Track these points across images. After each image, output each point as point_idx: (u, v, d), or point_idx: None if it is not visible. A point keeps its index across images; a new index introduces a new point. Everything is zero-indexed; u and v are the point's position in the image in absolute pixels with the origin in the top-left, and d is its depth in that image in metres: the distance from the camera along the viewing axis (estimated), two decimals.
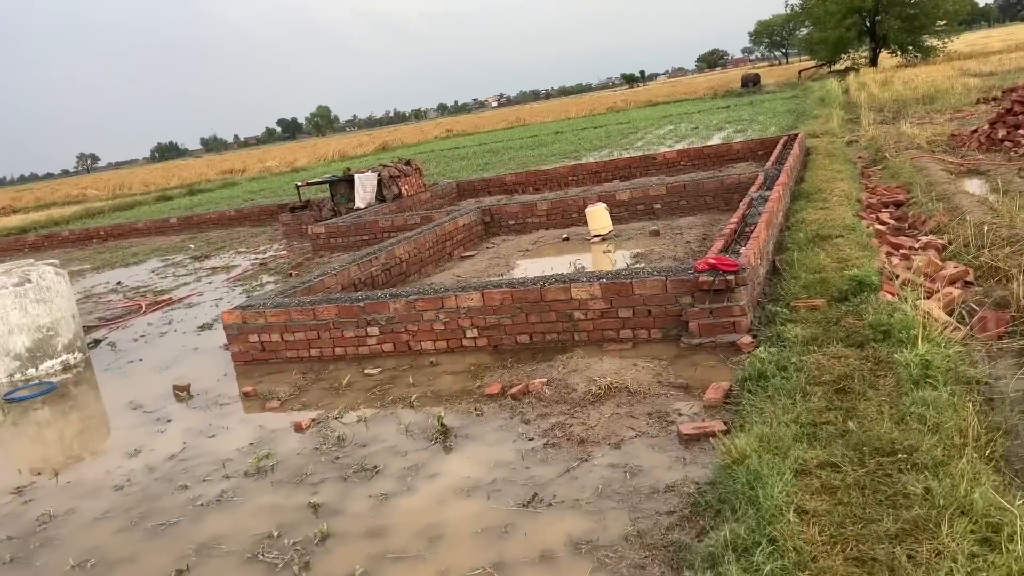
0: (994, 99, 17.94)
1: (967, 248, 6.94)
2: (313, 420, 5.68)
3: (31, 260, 9.24)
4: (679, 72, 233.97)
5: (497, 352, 6.58)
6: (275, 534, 4.11)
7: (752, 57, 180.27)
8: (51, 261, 8.88)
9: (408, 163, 16.35)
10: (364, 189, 15.49)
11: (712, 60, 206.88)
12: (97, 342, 9.39)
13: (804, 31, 60.53)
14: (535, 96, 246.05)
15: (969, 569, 2.68)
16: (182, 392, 6.84)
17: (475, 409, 5.38)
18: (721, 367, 5.43)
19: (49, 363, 8.25)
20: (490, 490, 4.22)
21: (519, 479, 4.28)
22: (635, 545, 3.44)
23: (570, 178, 17.13)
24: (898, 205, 9.62)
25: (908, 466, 3.38)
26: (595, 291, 6.28)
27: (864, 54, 52.13)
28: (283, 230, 16.32)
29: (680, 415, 4.77)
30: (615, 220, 11.61)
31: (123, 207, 33.41)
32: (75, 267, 17.14)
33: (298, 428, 5.57)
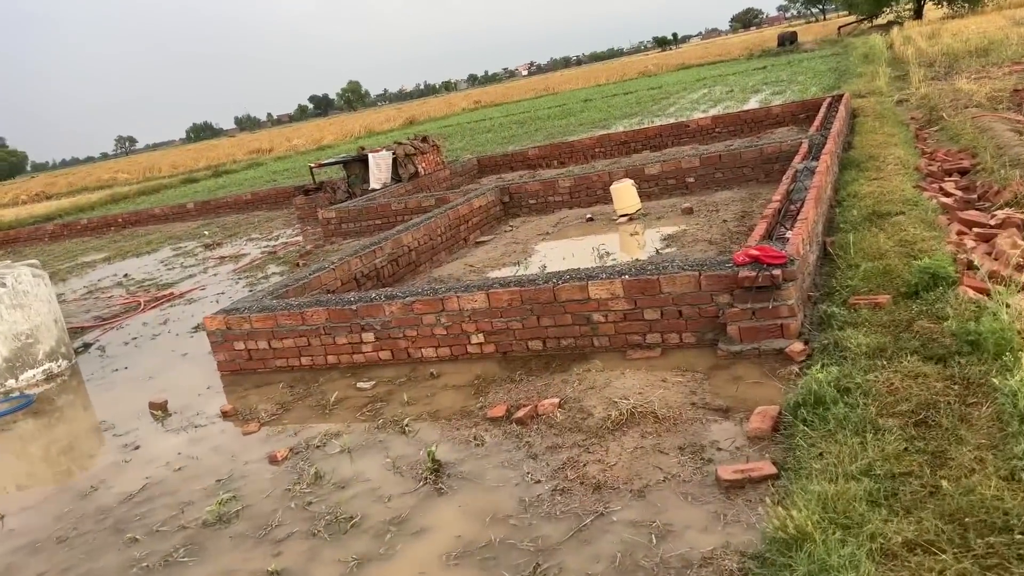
0: None
1: None
2: (291, 450, 4.92)
3: (7, 262, 8.60)
4: (713, 33, 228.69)
5: (506, 360, 5.76)
6: None
7: (788, 15, 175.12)
8: (31, 262, 8.22)
9: (425, 139, 15.48)
10: (379, 169, 14.68)
11: (747, 20, 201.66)
12: (87, 346, 8.75)
13: None
14: (566, 63, 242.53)
15: None
16: (158, 410, 6.13)
17: (475, 437, 4.56)
18: (767, 382, 4.54)
19: (30, 373, 7.62)
20: (484, 556, 3.42)
21: (520, 541, 3.46)
22: None
23: (597, 150, 16.14)
24: (963, 173, 8.53)
25: None
26: (616, 289, 5.41)
27: (908, 6, 49.74)
28: (297, 214, 15.61)
29: (719, 450, 3.90)
30: (644, 196, 10.66)
31: (149, 191, 33.08)
32: (89, 257, 16.66)
33: (273, 460, 4.81)
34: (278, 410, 5.68)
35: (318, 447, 4.91)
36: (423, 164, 15.03)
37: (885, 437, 3.36)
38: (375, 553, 3.62)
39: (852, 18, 55.13)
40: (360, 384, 5.80)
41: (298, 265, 11.00)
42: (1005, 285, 4.60)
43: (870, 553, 2.60)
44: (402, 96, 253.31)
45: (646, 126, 17.72)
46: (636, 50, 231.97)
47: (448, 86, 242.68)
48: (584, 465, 3.98)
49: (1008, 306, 4.19)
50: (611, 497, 3.66)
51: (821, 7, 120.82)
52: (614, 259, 7.87)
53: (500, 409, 4.79)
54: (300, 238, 13.78)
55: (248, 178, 31.46)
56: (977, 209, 7.08)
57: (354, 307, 6.15)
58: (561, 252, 8.65)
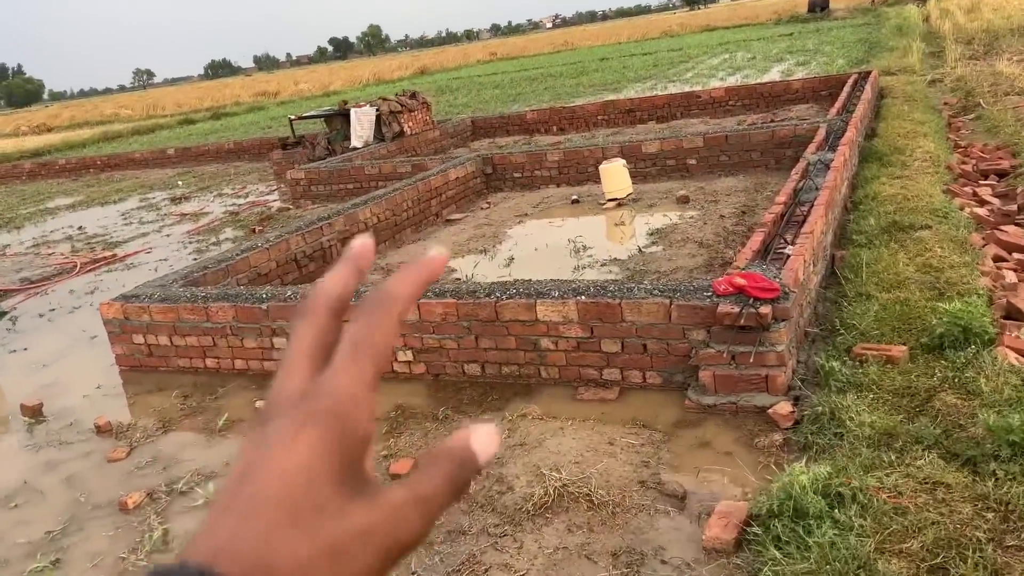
0: None
1: None
2: (149, 495, 3.98)
3: None
4: None
5: (437, 385, 4.79)
6: None
7: None
8: None
9: (414, 96, 14.33)
10: (361, 126, 13.56)
11: None
12: (2, 315, 7.83)
13: None
14: (591, 17, 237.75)
15: None
16: (29, 415, 5.20)
17: None
18: (741, 456, 3.55)
19: None
20: None
21: None
22: None
23: (600, 117, 14.94)
24: (1001, 175, 7.41)
25: None
26: (569, 312, 4.40)
27: None
28: (274, 170, 14.54)
29: (663, 562, 2.93)
30: (640, 177, 9.56)
31: (144, 131, 31.97)
32: (55, 203, 15.71)
33: (123, 508, 3.88)
34: (158, 429, 4.74)
35: (182, 493, 3.97)
36: (410, 123, 13.90)
37: None
38: None
39: None
40: (260, 403, 4.85)
41: (254, 231, 10.01)
42: None
43: None
44: (423, 43, 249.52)
45: (654, 94, 16.46)
46: (664, 7, 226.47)
47: (470, 35, 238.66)
48: (486, 571, 3.02)
49: None
50: None
51: None
52: (591, 255, 6.85)
53: (405, 465, 3.82)
54: (271, 197, 12.76)
55: (246, 123, 30.32)
56: (1018, 224, 5.99)
57: (265, 307, 5.17)
58: (535, 241, 7.61)
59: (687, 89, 18.31)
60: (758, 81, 16.63)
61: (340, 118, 14.02)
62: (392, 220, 8.50)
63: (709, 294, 4.14)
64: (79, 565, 3.48)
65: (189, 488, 4.00)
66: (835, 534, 2.65)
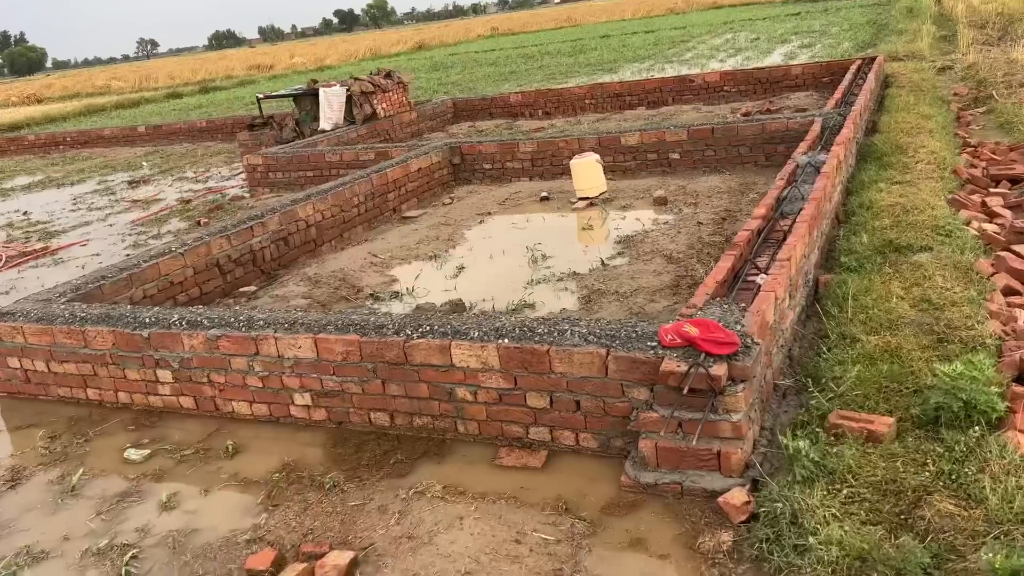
0: None
1: None
2: None
3: None
4: None
5: (339, 435, 4.04)
6: None
7: None
8: None
9: (389, 75, 13.46)
10: (330, 107, 12.72)
11: None
12: None
13: None
14: None
15: None
16: None
17: None
18: (681, 560, 2.81)
19: None
20: None
21: None
22: None
23: (587, 101, 14.07)
24: (1015, 181, 6.59)
25: None
26: (490, 358, 3.63)
27: None
28: (241, 151, 13.71)
29: None
30: (619, 172, 8.77)
31: (128, 104, 31.07)
32: (12, 183, 14.92)
33: None
34: (6, 483, 4.00)
35: None
36: (384, 104, 13.05)
37: None
38: None
39: None
40: (130, 453, 4.10)
41: (199, 223, 9.24)
42: None
43: None
44: (429, 16, 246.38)
45: (645, 78, 15.58)
46: None
47: (476, 9, 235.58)
48: None
49: None
50: None
51: None
52: (549, 267, 6.07)
53: (265, 559, 3.07)
54: (231, 183, 11.97)
55: (232, 98, 29.40)
56: None
57: (146, 334, 4.41)
58: (493, 246, 6.82)
59: (684, 71, 17.39)
60: (756, 66, 15.73)
61: (310, 98, 13.19)
62: (340, 217, 7.71)
63: (654, 344, 3.36)
64: None
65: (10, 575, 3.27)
66: None
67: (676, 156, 8.63)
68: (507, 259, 6.41)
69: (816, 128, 7.48)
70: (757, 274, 4.24)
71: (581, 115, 13.84)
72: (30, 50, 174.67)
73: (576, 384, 3.50)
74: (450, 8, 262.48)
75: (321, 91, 12.79)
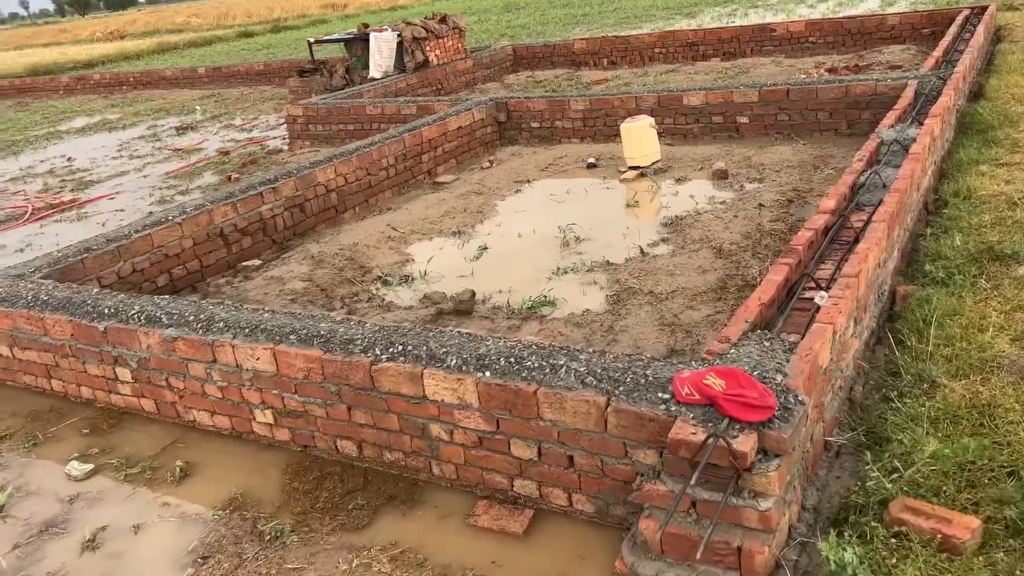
0: None
1: None
2: None
3: None
4: None
5: (303, 460, 3.47)
6: None
7: None
8: None
9: (444, 20, 12.62)
10: (380, 53, 12.01)
11: None
12: None
13: None
14: None
15: None
16: None
17: None
18: None
19: None
20: None
21: None
22: None
23: (656, 50, 12.98)
24: None
25: None
26: (467, 394, 2.96)
27: None
28: (291, 98, 13.20)
29: None
30: (679, 135, 7.87)
31: (199, 43, 31.01)
32: (67, 125, 14.81)
33: None
34: None
35: None
36: (436, 51, 12.27)
37: None
38: None
39: None
40: (72, 467, 3.62)
41: (230, 179, 8.76)
42: None
43: None
44: None
45: (722, 26, 14.32)
46: None
47: None
48: None
49: None
50: None
51: None
52: (581, 252, 5.32)
53: None
54: (275, 132, 11.48)
55: (301, 38, 28.90)
56: None
57: (102, 327, 3.89)
58: (524, 223, 6.08)
59: (769, 18, 16.02)
60: (847, 14, 14.27)
61: (360, 43, 12.49)
62: (366, 181, 7.09)
63: (667, 397, 2.64)
64: None
65: None
66: None
67: (744, 120, 7.66)
68: (536, 239, 5.68)
69: (909, 94, 6.42)
70: (816, 290, 3.43)
71: (648, 65, 12.79)
72: None
73: (569, 436, 2.81)
74: None
75: (372, 36, 12.08)
